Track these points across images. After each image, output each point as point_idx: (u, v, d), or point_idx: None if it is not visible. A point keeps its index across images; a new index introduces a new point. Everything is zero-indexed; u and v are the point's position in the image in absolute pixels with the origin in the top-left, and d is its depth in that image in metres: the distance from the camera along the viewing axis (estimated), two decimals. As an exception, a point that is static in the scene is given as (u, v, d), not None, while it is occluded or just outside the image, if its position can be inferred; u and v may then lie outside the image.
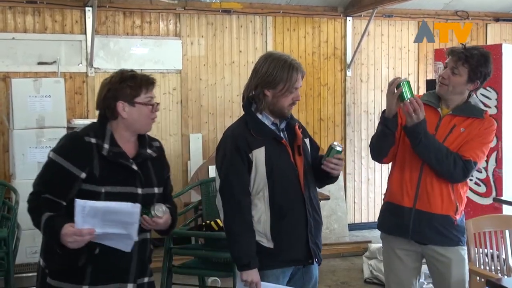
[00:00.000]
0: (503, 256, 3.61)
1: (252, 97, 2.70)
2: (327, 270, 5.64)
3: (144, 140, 2.59)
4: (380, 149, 3.07)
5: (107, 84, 2.50)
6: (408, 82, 2.83)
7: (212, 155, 6.34)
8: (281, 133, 2.72)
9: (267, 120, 2.69)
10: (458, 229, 3.04)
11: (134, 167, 2.47)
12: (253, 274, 2.58)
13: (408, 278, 3.12)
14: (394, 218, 3.08)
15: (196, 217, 4.64)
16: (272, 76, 2.63)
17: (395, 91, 2.82)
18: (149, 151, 2.57)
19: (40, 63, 6.14)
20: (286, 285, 2.73)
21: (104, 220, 2.28)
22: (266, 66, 2.65)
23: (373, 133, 3.11)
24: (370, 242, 6.34)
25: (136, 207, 2.32)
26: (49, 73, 6.08)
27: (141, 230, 2.46)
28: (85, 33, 6.27)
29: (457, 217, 3.02)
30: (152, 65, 6.53)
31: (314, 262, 2.74)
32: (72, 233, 2.26)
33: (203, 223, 4.39)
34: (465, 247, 3.10)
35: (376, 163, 7.44)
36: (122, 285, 2.47)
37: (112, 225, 2.30)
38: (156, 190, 2.55)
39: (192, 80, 6.73)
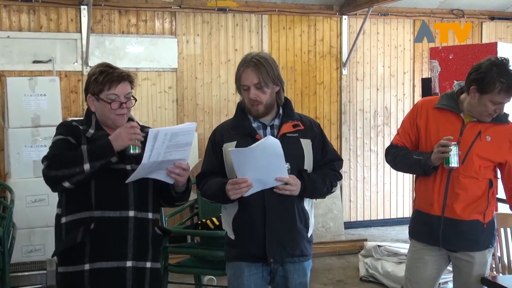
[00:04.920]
0: (498, 254, 3.62)
1: None
2: (323, 268, 5.62)
3: None
4: (405, 172, 3.25)
5: (87, 75, 2.58)
6: (456, 147, 2.83)
7: (208, 153, 6.34)
8: (267, 130, 2.70)
9: (251, 116, 2.72)
10: (488, 232, 3.01)
11: None
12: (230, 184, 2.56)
13: (430, 279, 3.12)
14: (424, 227, 3.07)
15: (192, 216, 4.64)
16: (237, 74, 2.73)
17: (445, 151, 2.82)
18: None
19: (35, 62, 6.13)
20: (269, 283, 2.74)
21: (168, 146, 2.34)
22: None
23: (396, 156, 3.06)
24: (366, 240, 6.35)
25: (192, 124, 2.42)
26: (44, 72, 6.06)
27: (141, 208, 2.50)
28: (81, 32, 6.26)
29: (486, 220, 2.99)
30: (148, 63, 6.53)
31: (269, 262, 2.65)
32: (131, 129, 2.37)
33: (199, 222, 4.40)
34: (492, 248, 3.09)
35: (372, 162, 7.59)
36: (121, 262, 2.48)
37: (172, 152, 2.38)
38: None
39: (188, 78, 6.73)
